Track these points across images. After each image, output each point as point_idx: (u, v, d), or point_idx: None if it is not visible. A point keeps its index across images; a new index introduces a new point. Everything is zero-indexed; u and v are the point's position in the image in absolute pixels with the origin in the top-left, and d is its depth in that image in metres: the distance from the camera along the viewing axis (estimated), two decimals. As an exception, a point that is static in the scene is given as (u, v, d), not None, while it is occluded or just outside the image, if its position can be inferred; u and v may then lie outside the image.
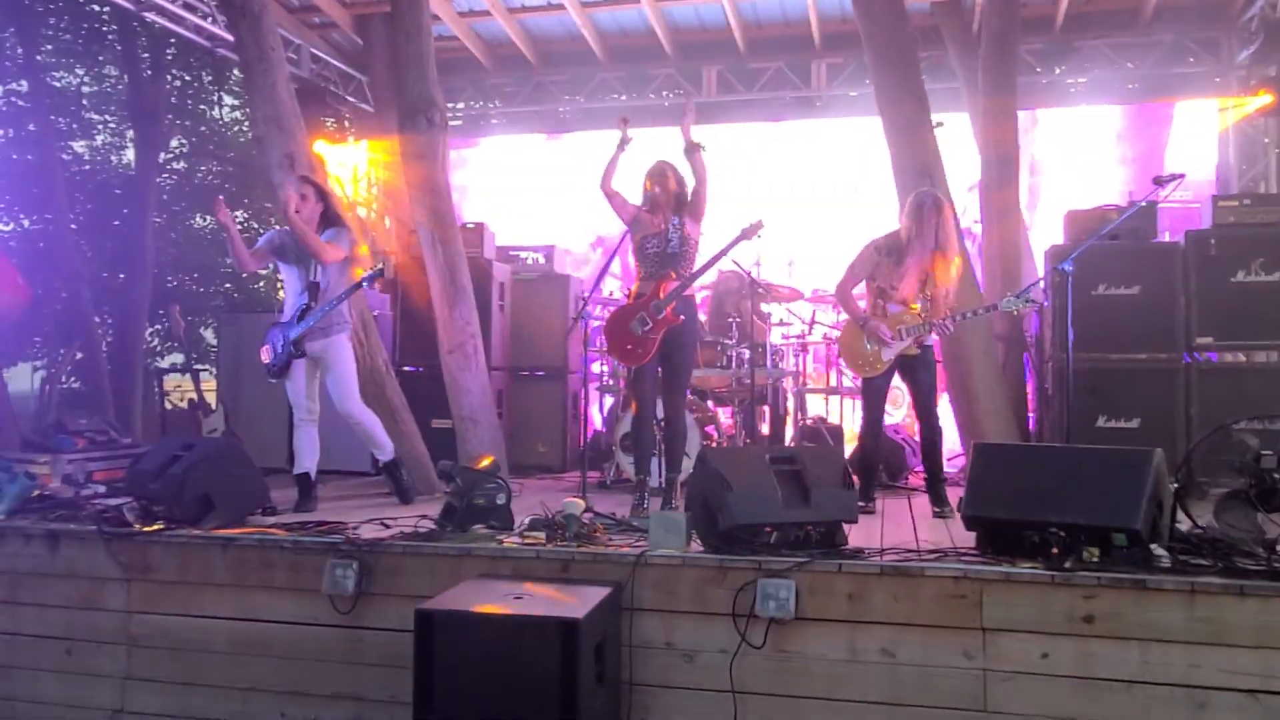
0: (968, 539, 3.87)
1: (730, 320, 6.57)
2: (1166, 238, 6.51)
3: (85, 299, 11.45)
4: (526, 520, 4.31)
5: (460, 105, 10.45)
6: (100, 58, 13.35)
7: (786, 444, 6.84)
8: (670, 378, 5.03)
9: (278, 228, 5.39)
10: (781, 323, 7.41)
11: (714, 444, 6.24)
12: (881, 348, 5.05)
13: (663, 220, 4.98)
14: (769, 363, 6.64)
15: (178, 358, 12.58)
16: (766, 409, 6.99)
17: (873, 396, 5.23)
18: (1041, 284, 6.02)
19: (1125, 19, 8.76)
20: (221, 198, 5.49)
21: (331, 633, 4.02)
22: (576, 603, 3.41)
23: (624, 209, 5.09)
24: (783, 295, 7.20)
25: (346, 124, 10.54)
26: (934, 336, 5.07)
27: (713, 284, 7.31)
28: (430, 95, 6.16)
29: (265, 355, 5.20)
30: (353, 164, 10.67)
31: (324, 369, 5.21)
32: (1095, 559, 3.45)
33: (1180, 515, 3.74)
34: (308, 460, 5.22)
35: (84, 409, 9.46)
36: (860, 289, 5.31)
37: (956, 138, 7.70)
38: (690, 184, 5.03)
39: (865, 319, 5.06)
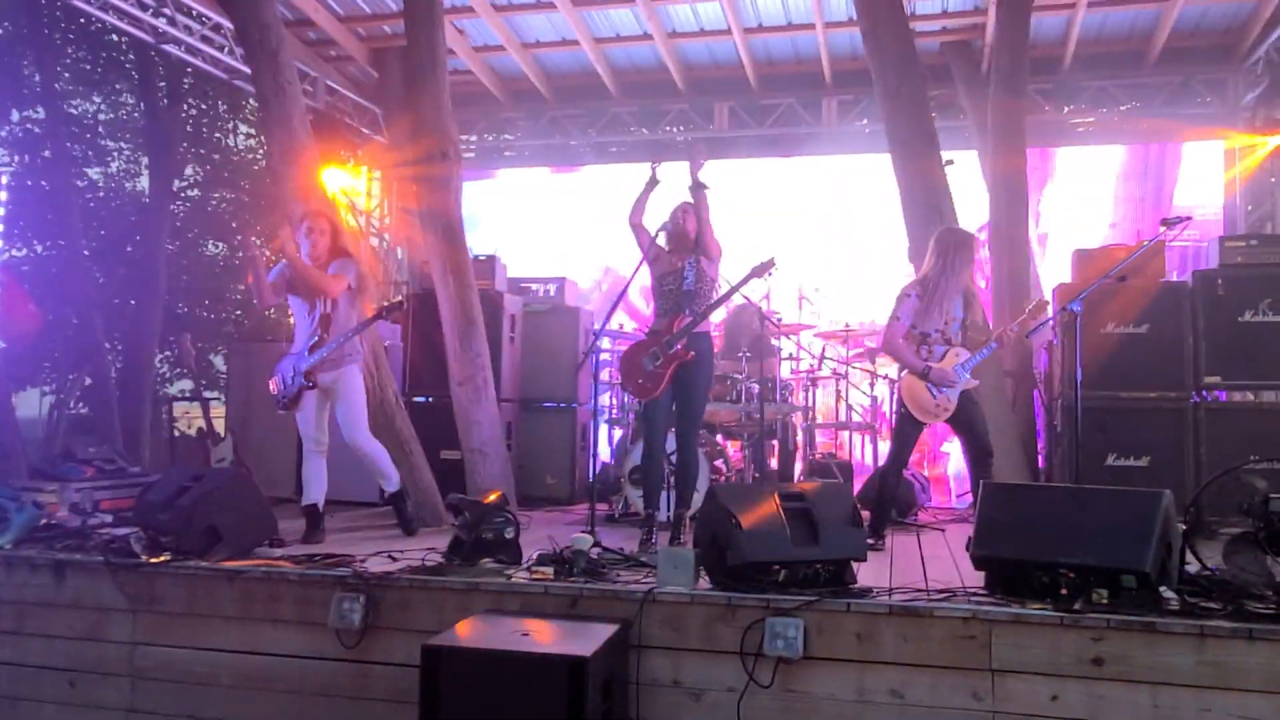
0: (977, 579, 3.86)
1: (741, 355, 6.58)
2: (1174, 277, 6.53)
3: (96, 325, 11.52)
4: (535, 555, 4.31)
5: (474, 138, 10.57)
6: (117, 86, 13.53)
7: (795, 479, 6.83)
8: (683, 412, 5.04)
9: (285, 261, 5.43)
10: (792, 357, 7.42)
11: (723, 479, 6.24)
12: (949, 390, 5.02)
13: (681, 259, 5.03)
14: (778, 397, 6.64)
15: (187, 385, 12.65)
16: (775, 444, 6.98)
17: (912, 433, 5.21)
18: (1050, 322, 6.02)
19: (1133, 59, 8.85)
20: (255, 241, 5.49)
21: (338, 667, 4.00)
22: (584, 640, 3.39)
23: (648, 247, 5.14)
24: (793, 329, 7.24)
25: (361, 155, 10.65)
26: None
27: (725, 318, 7.34)
28: (445, 129, 6.23)
29: (274, 387, 5.23)
30: (366, 195, 10.78)
31: (335, 400, 5.23)
32: (1104, 600, 3.43)
33: (1189, 556, 3.73)
34: (316, 491, 5.23)
35: (92, 435, 9.49)
36: None
37: (966, 176, 7.74)
38: (710, 226, 5.08)
39: (927, 368, 5.00)
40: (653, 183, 5.10)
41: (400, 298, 5.38)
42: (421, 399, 7.14)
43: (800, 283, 8.05)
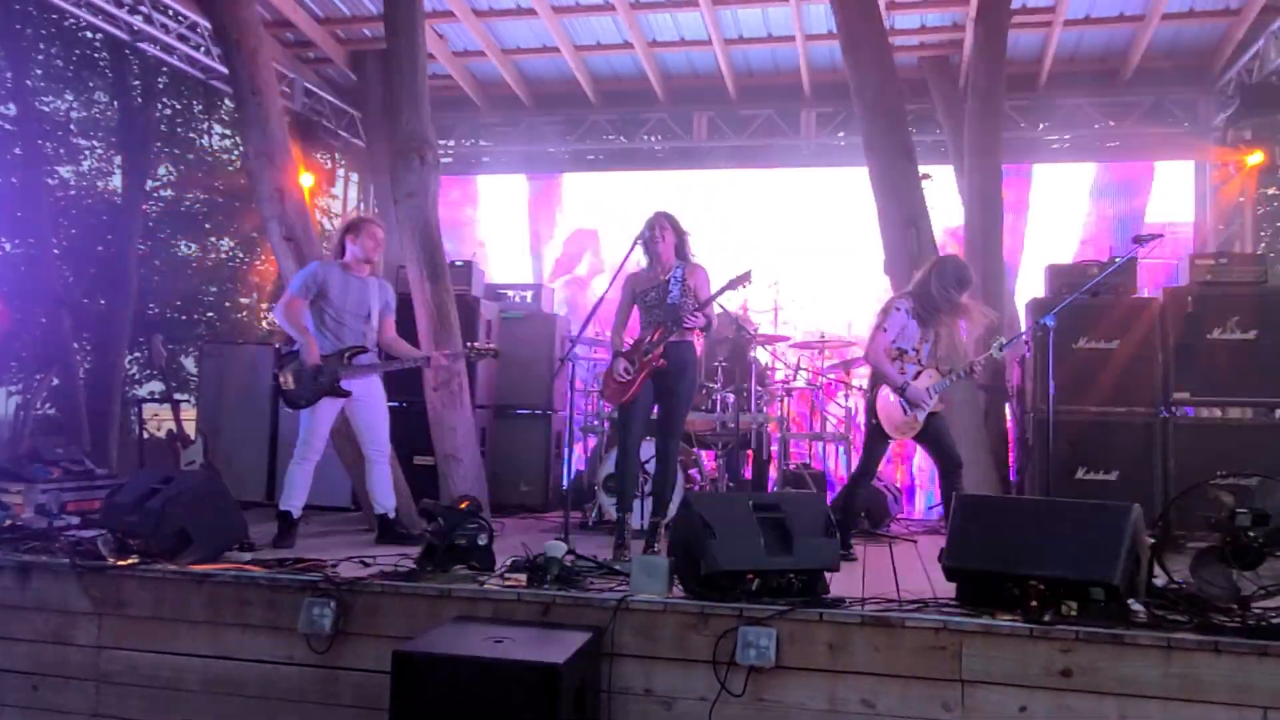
0: (948, 589, 3.88)
1: (717, 365, 6.59)
2: (1146, 294, 6.61)
3: (65, 325, 11.38)
4: (508, 561, 4.29)
5: (452, 143, 10.53)
6: (90, 84, 13.39)
7: (769, 489, 6.84)
8: (663, 421, 5.04)
9: (317, 261, 5.34)
10: (768, 368, 7.44)
11: (697, 488, 6.24)
12: (918, 410, 5.05)
13: (663, 271, 5.03)
14: (753, 407, 6.66)
15: (157, 386, 12.52)
16: (750, 453, 6.99)
17: (881, 446, 5.25)
18: (1024, 336, 6.09)
19: (1106, 78, 8.97)
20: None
21: (307, 673, 3.97)
22: (556, 647, 3.38)
23: (632, 309, 5.15)
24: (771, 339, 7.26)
25: (338, 158, 10.59)
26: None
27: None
28: (423, 133, 6.20)
29: (288, 381, 5.09)
30: (342, 198, 10.72)
31: (363, 407, 5.25)
32: (1073, 612, 3.47)
33: (1157, 570, 3.77)
34: (298, 498, 5.17)
35: (59, 436, 9.36)
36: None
37: (942, 190, 7.81)
38: (688, 235, 5.10)
39: (905, 384, 5.01)
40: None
41: (491, 345, 5.59)
42: (395, 404, 7.06)
43: (776, 293, 8.08)
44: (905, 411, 5.04)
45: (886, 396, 5.08)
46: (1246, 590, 3.55)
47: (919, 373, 5.08)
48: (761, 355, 7.39)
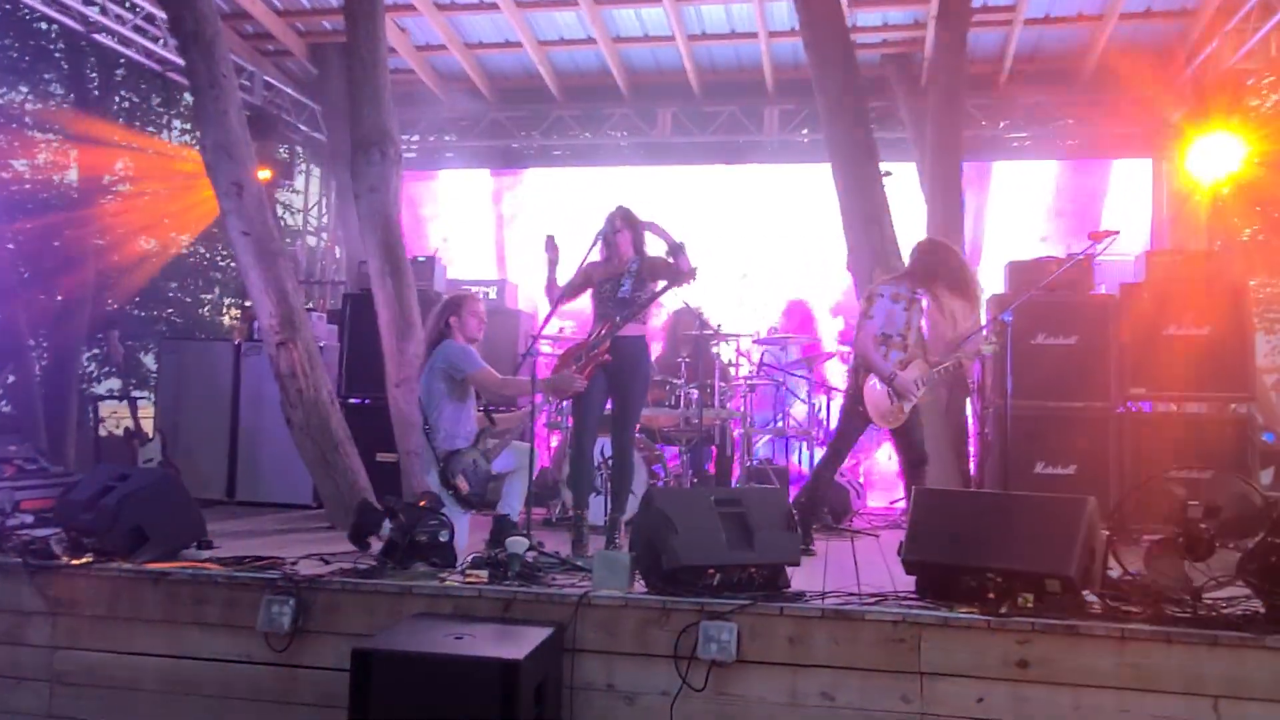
0: (908, 583, 3.92)
1: (681, 360, 6.60)
2: (1103, 290, 6.70)
3: (20, 320, 11.17)
4: (469, 558, 4.28)
5: (415, 138, 10.44)
6: (46, 75, 13.13)
7: (732, 485, 6.86)
8: (618, 415, 5.04)
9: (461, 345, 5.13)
10: (731, 364, 7.45)
11: (660, 483, 6.25)
12: (905, 401, 5.05)
13: (619, 266, 5.02)
14: (717, 403, 6.67)
15: (115, 383, 12.33)
16: (713, 449, 7.01)
17: (857, 433, 5.27)
18: (984, 331, 6.15)
19: (1066, 77, 9.08)
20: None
21: (266, 671, 3.92)
22: (517, 643, 3.37)
23: (580, 291, 5.11)
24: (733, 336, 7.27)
25: (299, 152, 10.47)
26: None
27: (666, 323, 7.35)
28: (384, 128, 6.15)
29: (465, 485, 4.88)
30: (304, 193, 10.61)
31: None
32: (1030, 604, 3.51)
33: (1112, 561, 3.83)
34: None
35: (14, 434, 9.18)
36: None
37: (904, 187, 7.85)
38: (646, 230, 5.08)
39: (892, 375, 5.01)
40: (553, 262, 5.00)
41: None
42: (357, 400, 7.04)
43: (737, 295, 8.12)
44: (892, 401, 5.06)
45: (873, 385, 5.08)
46: (1198, 581, 3.62)
47: (907, 362, 5.09)
48: (725, 351, 7.41)
